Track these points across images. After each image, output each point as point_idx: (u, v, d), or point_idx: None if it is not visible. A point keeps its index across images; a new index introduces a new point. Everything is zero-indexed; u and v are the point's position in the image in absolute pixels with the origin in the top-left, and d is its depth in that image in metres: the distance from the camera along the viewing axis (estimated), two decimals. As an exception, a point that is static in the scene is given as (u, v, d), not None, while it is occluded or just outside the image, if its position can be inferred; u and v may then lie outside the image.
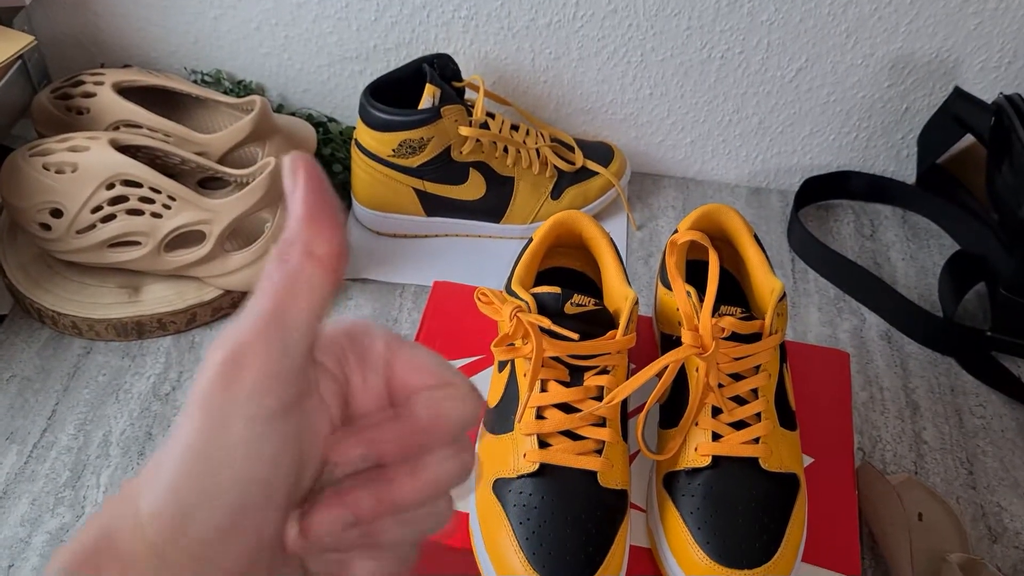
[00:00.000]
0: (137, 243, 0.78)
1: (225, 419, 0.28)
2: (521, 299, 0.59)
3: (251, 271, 0.80)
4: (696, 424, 0.60)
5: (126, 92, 0.86)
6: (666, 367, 0.60)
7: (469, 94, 0.88)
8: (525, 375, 0.59)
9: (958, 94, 0.87)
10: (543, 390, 0.59)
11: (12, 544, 0.67)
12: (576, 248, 0.69)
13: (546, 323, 0.58)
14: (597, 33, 0.90)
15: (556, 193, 0.90)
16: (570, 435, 0.59)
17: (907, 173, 0.98)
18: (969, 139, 0.90)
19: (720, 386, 0.60)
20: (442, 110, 0.82)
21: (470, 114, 0.84)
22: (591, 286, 0.69)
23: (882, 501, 0.67)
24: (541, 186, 0.89)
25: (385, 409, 0.32)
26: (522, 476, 0.58)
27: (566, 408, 0.59)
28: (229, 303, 0.82)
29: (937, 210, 0.95)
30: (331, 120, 0.99)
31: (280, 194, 0.79)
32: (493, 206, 0.89)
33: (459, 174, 0.86)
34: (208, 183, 0.86)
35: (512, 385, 0.61)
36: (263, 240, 0.80)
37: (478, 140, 0.85)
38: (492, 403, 0.63)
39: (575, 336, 0.58)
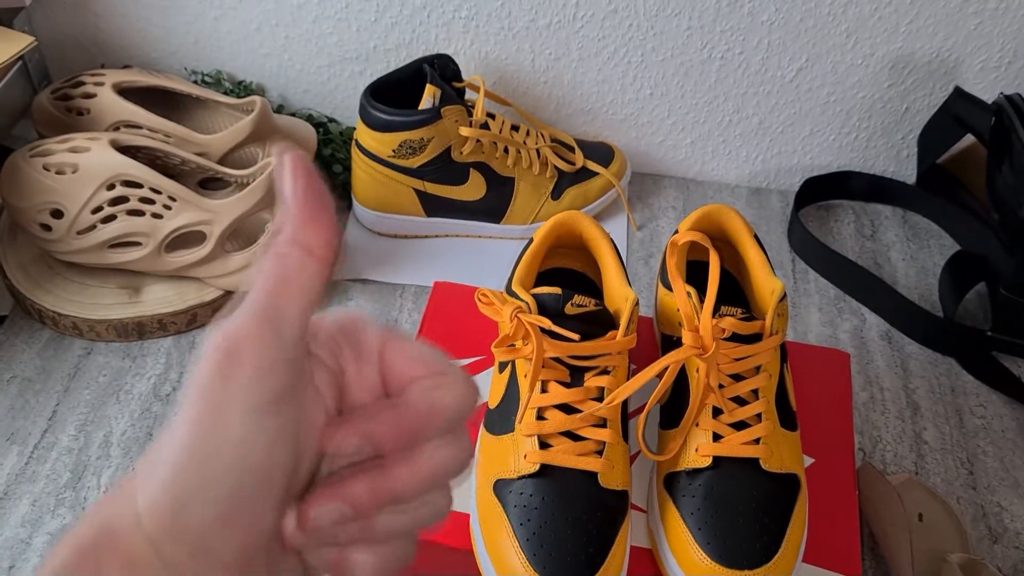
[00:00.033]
0: (138, 244, 0.78)
1: (221, 411, 0.28)
2: (521, 300, 0.59)
3: (251, 272, 0.80)
4: (697, 425, 0.60)
5: (126, 93, 0.86)
6: (666, 368, 0.60)
7: (469, 95, 0.88)
8: (526, 376, 0.59)
9: (958, 94, 0.87)
10: (544, 391, 0.59)
11: (13, 545, 0.67)
12: (576, 249, 0.69)
13: (547, 324, 0.58)
14: (597, 33, 0.90)
15: (556, 193, 0.90)
16: (571, 436, 0.59)
17: (907, 173, 0.98)
18: (969, 139, 0.90)
19: (720, 387, 0.60)
20: (442, 111, 0.82)
21: (470, 115, 0.84)
22: (591, 287, 0.69)
23: (883, 501, 0.67)
24: (541, 186, 0.89)
25: (381, 400, 0.33)
26: (523, 477, 0.58)
27: (567, 409, 0.59)
28: (225, 310, 0.82)
29: (937, 210, 0.95)
30: (331, 121, 0.99)
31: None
32: (493, 206, 0.89)
33: (459, 174, 0.86)
34: (208, 184, 0.86)
35: (513, 386, 0.61)
36: (263, 241, 0.80)
37: (478, 140, 0.85)
38: (493, 404, 0.63)
39: (576, 337, 0.58)
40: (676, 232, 0.66)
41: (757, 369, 0.61)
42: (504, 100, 0.91)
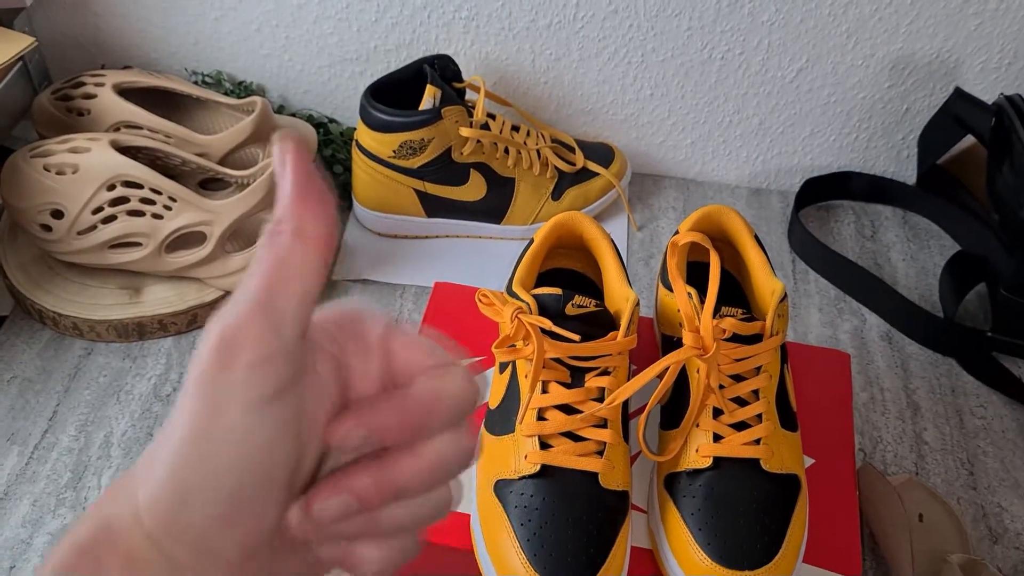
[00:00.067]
0: (138, 244, 0.78)
1: (220, 404, 0.28)
2: (522, 300, 0.59)
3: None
4: (697, 425, 0.60)
5: (127, 93, 0.86)
6: (667, 368, 0.60)
7: (470, 95, 0.88)
8: (526, 376, 0.59)
9: (958, 95, 0.87)
10: (544, 391, 0.59)
11: (13, 545, 0.67)
12: (577, 249, 0.69)
13: (547, 324, 0.58)
14: (598, 34, 0.90)
15: (557, 194, 0.90)
16: (571, 436, 0.59)
17: (908, 174, 0.98)
18: (970, 140, 0.90)
19: (721, 387, 0.60)
20: (443, 111, 0.82)
21: (471, 115, 0.84)
22: (592, 287, 0.69)
23: (883, 502, 0.67)
24: (542, 187, 0.89)
25: (385, 392, 0.32)
26: (523, 477, 0.58)
27: (567, 409, 0.59)
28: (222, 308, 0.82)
29: (938, 211, 0.95)
30: (332, 121, 0.99)
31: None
32: (494, 207, 0.89)
33: (460, 175, 0.86)
34: (209, 184, 0.86)
35: (513, 386, 0.61)
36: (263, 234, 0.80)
37: (479, 141, 0.85)
38: (493, 404, 0.63)
39: (576, 337, 0.58)
40: (676, 233, 0.66)
41: (757, 370, 0.61)
42: (504, 101, 0.91)
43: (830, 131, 0.95)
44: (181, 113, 0.90)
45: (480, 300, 0.64)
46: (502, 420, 0.61)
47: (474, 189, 0.87)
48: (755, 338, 0.60)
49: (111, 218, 0.77)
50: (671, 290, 0.63)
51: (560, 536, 0.56)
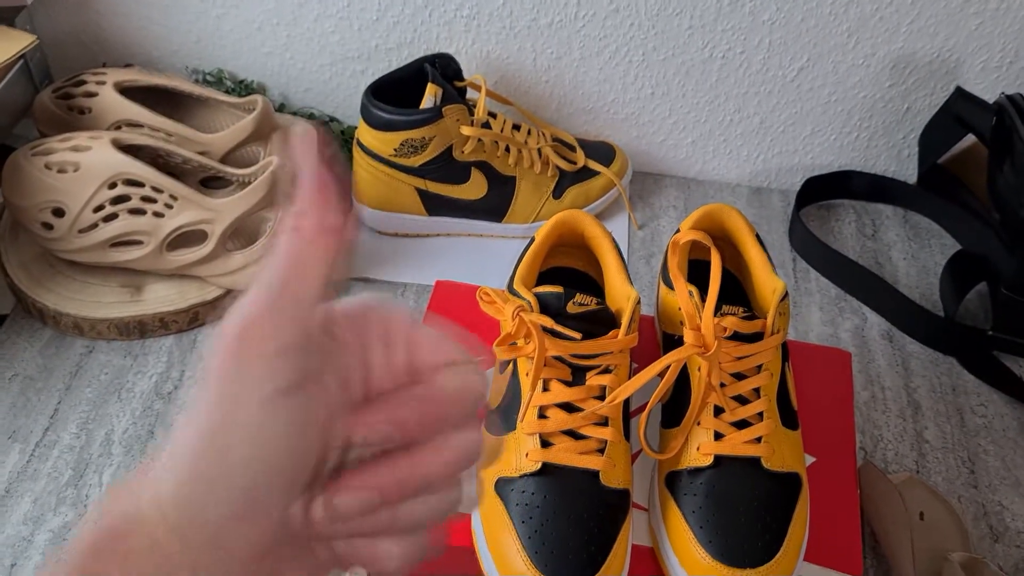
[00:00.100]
0: (139, 242, 0.78)
1: (237, 398, 0.28)
2: (523, 298, 0.60)
3: (253, 270, 0.80)
4: (698, 423, 0.60)
5: (128, 92, 0.86)
6: (668, 366, 0.60)
7: (471, 94, 0.88)
8: (527, 374, 0.59)
9: (959, 94, 0.87)
10: (545, 389, 0.59)
11: (15, 543, 0.67)
12: (578, 248, 0.69)
13: (548, 322, 0.58)
14: (599, 33, 0.90)
15: (558, 193, 0.90)
16: (572, 434, 0.59)
17: (908, 173, 0.98)
18: (970, 139, 0.90)
19: (722, 385, 0.60)
20: (444, 110, 0.82)
21: (472, 114, 0.84)
22: (593, 285, 0.69)
23: (884, 500, 0.67)
24: (543, 186, 0.89)
25: (407, 387, 0.32)
26: (524, 475, 0.58)
27: (568, 407, 0.59)
28: (231, 303, 0.82)
29: (938, 210, 0.95)
30: (333, 120, 0.99)
31: (281, 194, 0.79)
32: (495, 205, 0.89)
33: (461, 174, 0.86)
34: (210, 182, 0.86)
35: (514, 384, 0.61)
36: (265, 240, 0.80)
37: (480, 140, 0.85)
38: (494, 403, 0.63)
39: (577, 336, 0.58)
40: (678, 231, 0.66)
41: (758, 368, 0.61)
42: (505, 99, 0.91)
43: (831, 130, 0.95)
44: (182, 111, 0.90)
45: (481, 298, 0.64)
46: (503, 418, 0.61)
47: (475, 188, 0.87)
48: (756, 336, 0.60)
49: (112, 216, 0.77)
50: (672, 288, 0.63)
51: (561, 534, 0.56)
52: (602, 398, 0.59)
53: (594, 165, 0.91)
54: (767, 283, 0.63)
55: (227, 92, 0.96)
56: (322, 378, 0.30)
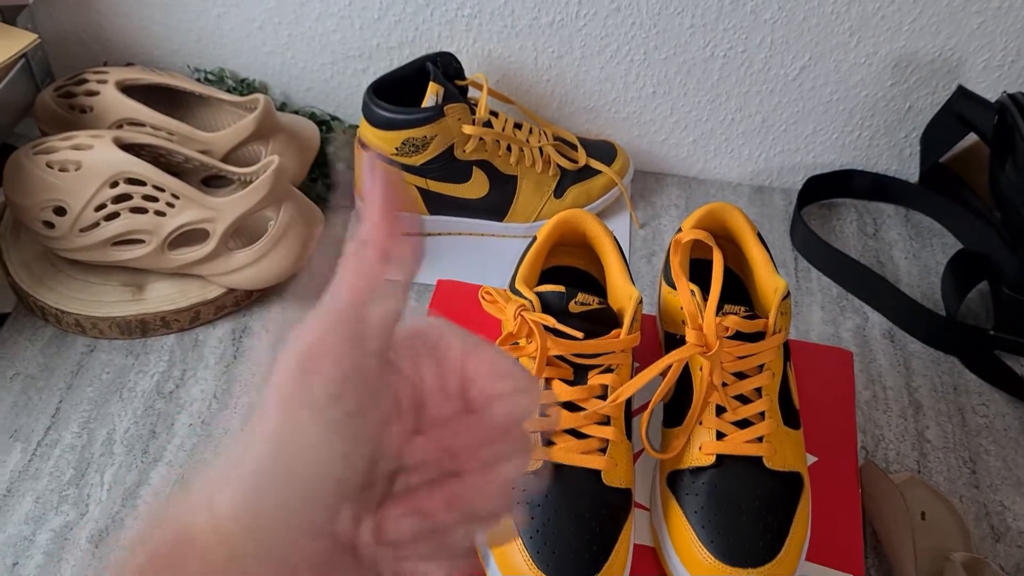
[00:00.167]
0: (141, 241, 0.78)
1: (300, 419, 0.28)
2: (525, 298, 0.60)
3: (254, 269, 0.80)
4: (700, 423, 0.60)
5: (129, 90, 0.86)
6: (670, 366, 0.60)
7: (472, 93, 0.88)
8: (529, 374, 0.59)
9: (961, 93, 0.87)
10: (547, 388, 0.59)
11: (16, 542, 0.67)
12: (580, 247, 0.69)
13: (550, 322, 0.58)
14: (600, 31, 0.90)
15: (559, 192, 0.90)
16: (574, 434, 0.59)
17: (910, 172, 0.98)
18: (972, 138, 0.90)
19: (724, 385, 0.60)
20: (445, 109, 0.82)
21: (473, 113, 0.84)
22: (595, 285, 0.69)
23: (885, 500, 0.67)
24: (544, 184, 0.89)
25: (459, 412, 0.32)
26: (526, 474, 0.58)
27: (570, 407, 0.59)
28: (232, 301, 0.82)
29: (940, 209, 0.95)
30: (334, 119, 0.99)
31: (282, 193, 0.79)
32: (496, 205, 0.89)
33: (462, 173, 0.86)
34: (211, 181, 0.86)
35: (516, 384, 0.61)
36: (266, 238, 0.80)
37: (481, 139, 0.85)
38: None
39: (579, 335, 0.58)
40: (679, 230, 0.66)
41: (760, 367, 0.61)
42: (507, 98, 0.91)
43: (832, 129, 0.95)
44: (184, 110, 0.90)
45: (483, 297, 0.64)
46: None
47: (476, 187, 0.87)
48: (758, 336, 0.60)
49: (114, 215, 0.77)
50: (674, 288, 0.63)
51: (563, 533, 0.56)
52: (604, 397, 0.59)
53: (595, 164, 0.91)
54: (769, 282, 0.63)
55: (228, 91, 0.96)
56: (380, 403, 0.30)
